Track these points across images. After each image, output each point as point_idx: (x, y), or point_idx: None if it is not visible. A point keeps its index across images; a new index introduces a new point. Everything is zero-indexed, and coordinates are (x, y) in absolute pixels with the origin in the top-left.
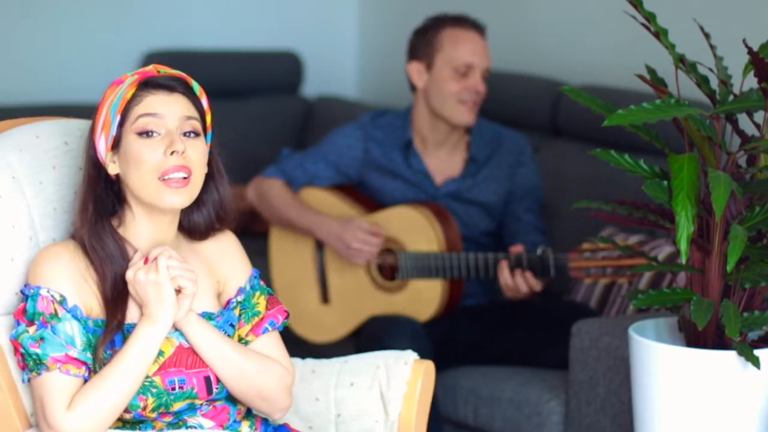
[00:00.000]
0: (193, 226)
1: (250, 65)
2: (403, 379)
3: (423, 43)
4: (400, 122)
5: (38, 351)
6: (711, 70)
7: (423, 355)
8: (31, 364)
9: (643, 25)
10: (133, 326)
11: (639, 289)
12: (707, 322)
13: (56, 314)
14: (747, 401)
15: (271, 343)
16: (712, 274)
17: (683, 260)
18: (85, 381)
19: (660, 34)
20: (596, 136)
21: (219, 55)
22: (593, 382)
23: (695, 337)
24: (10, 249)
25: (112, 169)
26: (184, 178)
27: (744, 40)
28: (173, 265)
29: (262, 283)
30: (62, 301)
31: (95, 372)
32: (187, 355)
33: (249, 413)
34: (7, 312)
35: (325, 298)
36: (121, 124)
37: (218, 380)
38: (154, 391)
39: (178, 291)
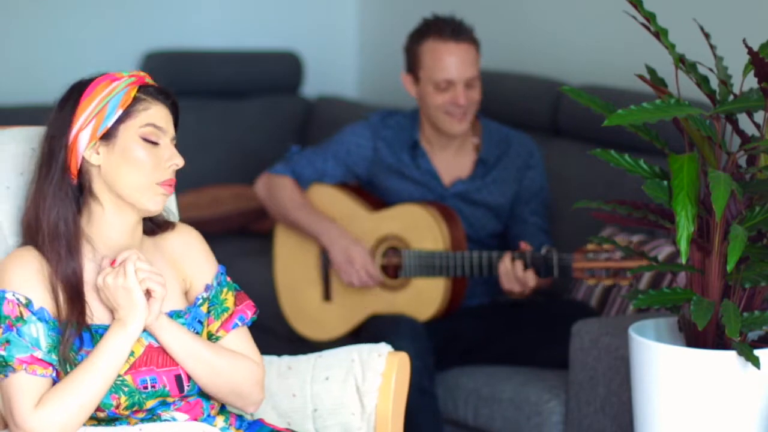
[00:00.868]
0: (154, 218)
1: (250, 65)
2: (377, 371)
3: (410, 55)
4: (408, 123)
5: (3, 353)
6: (711, 70)
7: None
8: None
9: (643, 25)
10: (102, 327)
11: (639, 289)
12: (707, 322)
13: (22, 317)
14: (747, 401)
15: (240, 339)
16: (712, 274)
17: (683, 260)
18: (54, 382)
19: (660, 34)
20: (596, 136)
21: (219, 55)
22: (593, 382)
23: (695, 337)
24: None
25: (94, 159)
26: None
27: (744, 40)
28: (141, 268)
29: (228, 279)
30: (28, 304)
31: (65, 374)
32: (158, 354)
33: (223, 408)
34: None
35: (327, 295)
36: (120, 120)
37: (189, 378)
38: (125, 390)
39: (148, 293)
